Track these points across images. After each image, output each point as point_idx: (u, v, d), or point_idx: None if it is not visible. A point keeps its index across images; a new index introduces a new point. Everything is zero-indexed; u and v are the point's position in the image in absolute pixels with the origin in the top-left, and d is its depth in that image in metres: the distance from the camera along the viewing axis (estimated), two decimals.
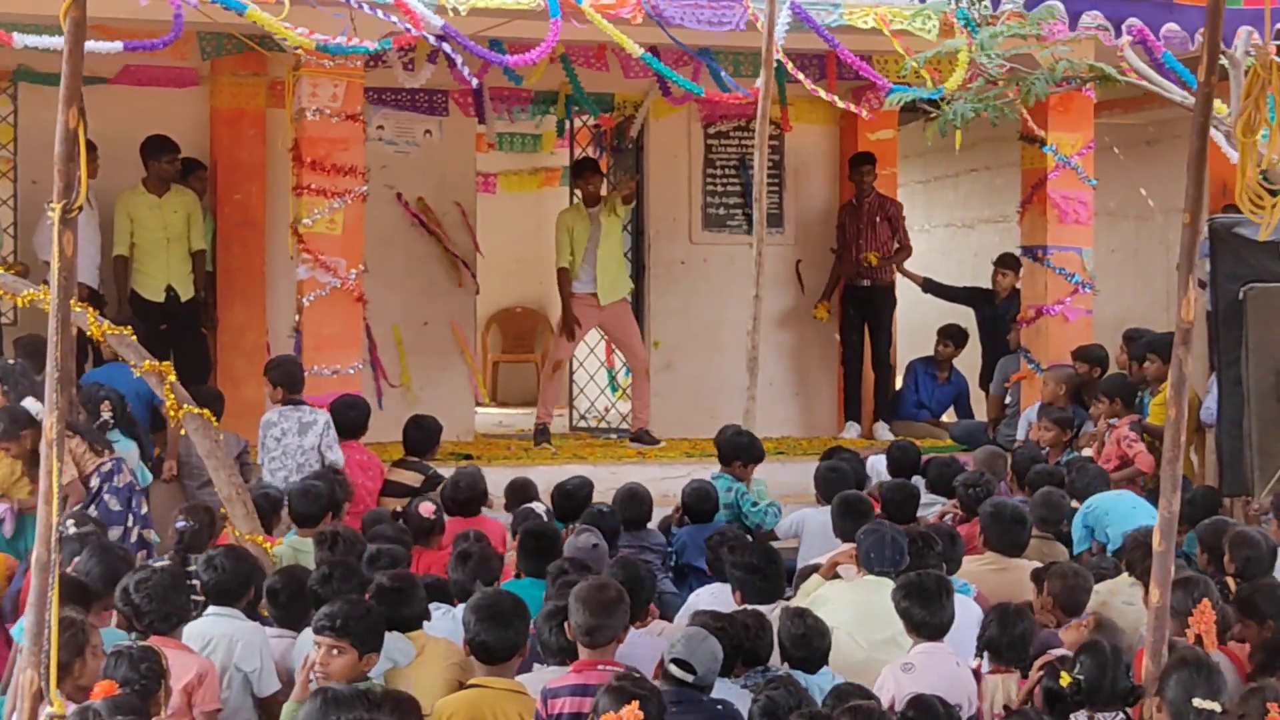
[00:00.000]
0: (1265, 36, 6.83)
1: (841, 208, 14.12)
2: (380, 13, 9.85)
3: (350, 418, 10.40)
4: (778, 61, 10.72)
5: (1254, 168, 6.81)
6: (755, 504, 9.89)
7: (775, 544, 9.13)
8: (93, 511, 8.88)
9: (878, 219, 13.76)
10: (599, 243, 12.74)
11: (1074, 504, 9.27)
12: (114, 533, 8.92)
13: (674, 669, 5.99)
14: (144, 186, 11.82)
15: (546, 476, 9.99)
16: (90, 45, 8.59)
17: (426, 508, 8.87)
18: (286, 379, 10.37)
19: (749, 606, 7.00)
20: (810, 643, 6.59)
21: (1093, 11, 8.05)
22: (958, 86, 10.53)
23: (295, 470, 9.92)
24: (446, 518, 8.99)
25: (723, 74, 11.52)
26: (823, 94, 11.33)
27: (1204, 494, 9.65)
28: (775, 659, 6.63)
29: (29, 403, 9.22)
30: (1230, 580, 7.54)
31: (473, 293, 13.77)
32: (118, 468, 9.21)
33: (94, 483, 9.14)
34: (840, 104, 11.57)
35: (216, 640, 6.83)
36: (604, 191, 13.05)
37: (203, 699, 6.43)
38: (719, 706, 5.93)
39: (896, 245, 13.86)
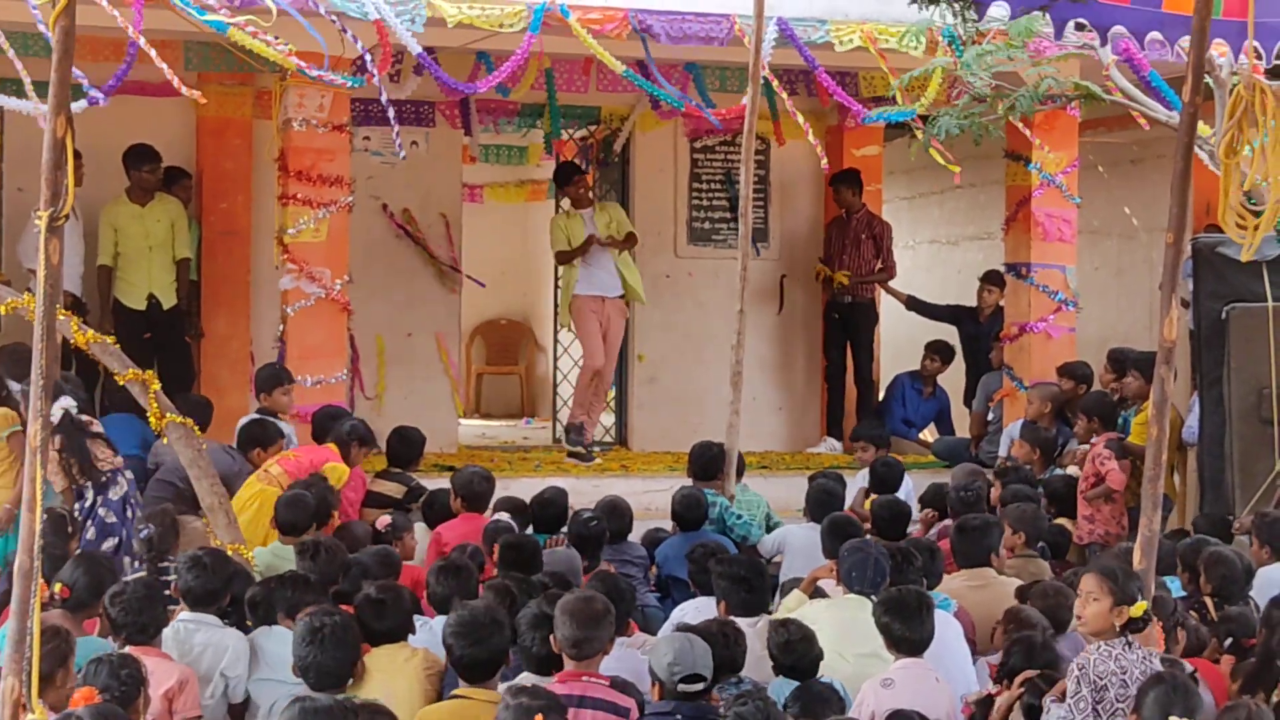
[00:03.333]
0: (1248, 55, 6.86)
1: (830, 221, 14.16)
2: (354, 37, 9.87)
3: (331, 429, 10.40)
4: (764, 77, 10.73)
5: (1237, 188, 6.85)
6: (740, 516, 9.91)
7: None
8: (89, 527, 8.89)
9: (863, 236, 13.82)
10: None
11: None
12: (108, 544, 8.91)
13: (686, 686, 6.03)
14: (127, 196, 11.82)
15: (530, 489, 9.99)
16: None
17: (382, 521, 8.92)
18: (259, 384, 10.44)
19: (724, 618, 7.01)
20: (797, 649, 6.61)
21: (1078, 19, 8.05)
22: (930, 104, 10.55)
23: None
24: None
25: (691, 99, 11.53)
26: (800, 118, 11.35)
27: (1212, 523, 9.61)
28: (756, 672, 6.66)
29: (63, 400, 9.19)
30: (1208, 600, 7.58)
31: (458, 304, 13.77)
32: (113, 478, 9.19)
33: (87, 493, 9.10)
34: (811, 139, 11.58)
35: (200, 648, 6.84)
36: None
37: (184, 705, 6.44)
38: None
39: (879, 266, 13.91)
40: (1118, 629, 6.03)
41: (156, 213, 11.86)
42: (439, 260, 13.45)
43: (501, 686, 6.25)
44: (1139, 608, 5.98)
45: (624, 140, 13.89)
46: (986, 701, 6.53)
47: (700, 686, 6.12)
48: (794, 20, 10.79)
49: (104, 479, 9.13)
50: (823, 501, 9.52)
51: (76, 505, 9.14)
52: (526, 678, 6.40)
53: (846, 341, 14.02)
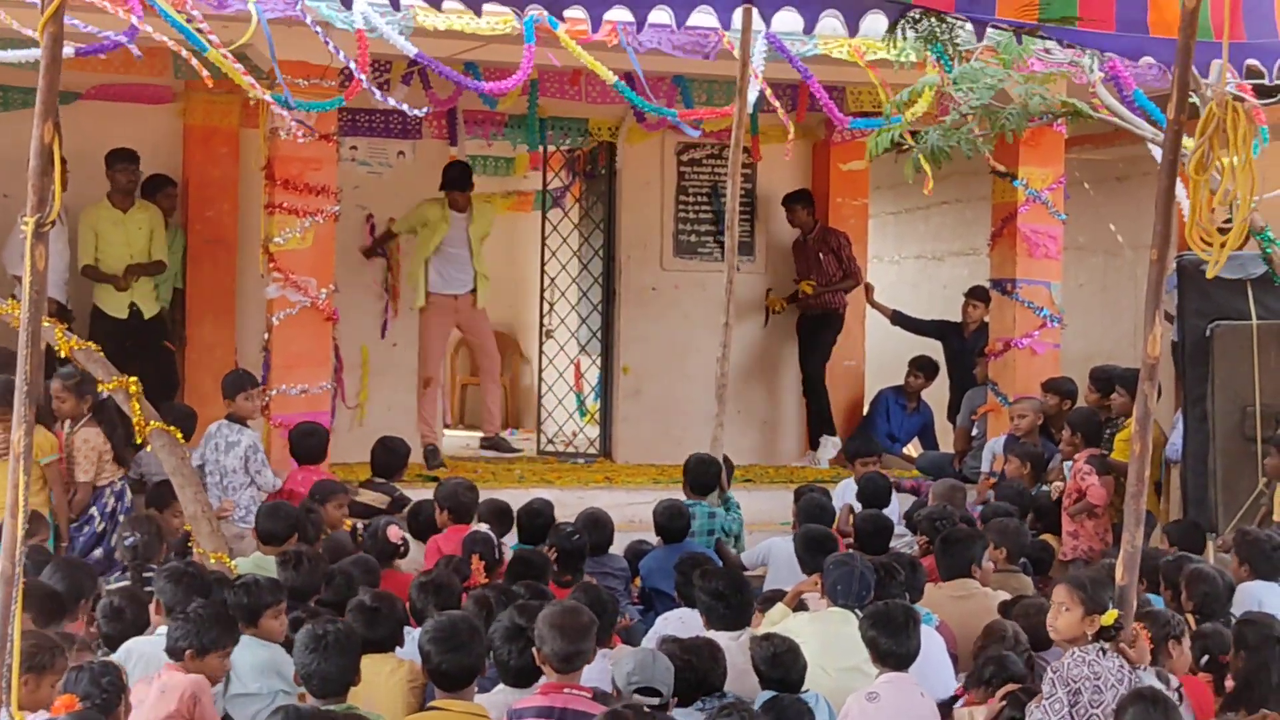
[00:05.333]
0: (1232, 73, 6.88)
1: (794, 244, 14.19)
2: (335, 49, 9.87)
3: (308, 445, 10.40)
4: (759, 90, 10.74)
5: (1205, 205, 6.84)
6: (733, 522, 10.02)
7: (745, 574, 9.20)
8: (111, 534, 8.96)
9: (820, 253, 13.87)
10: (455, 244, 12.88)
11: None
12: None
13: (639, 698, 6.03)
14: (108, 200, 11.83)
15: (514, 500, 9.99)
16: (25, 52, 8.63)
17: (394, 532, 8.87)
18: (222, 389, 10.42)
19: (701, 634, 7.00)
20: (784, 662, 6.61)
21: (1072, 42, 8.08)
22: (918, 118, 10.56)
23: (217, 486, 10.02)
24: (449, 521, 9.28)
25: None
26: (791, 127, 11.35)
27: (1183, 530, 9.65)
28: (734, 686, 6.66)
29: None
30: (1190, 617, 7.59)
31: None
32: (125, 488, 9.25)
33: (107, 500, 9.14)
34: (788, 147, 11.59)
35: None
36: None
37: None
38: None
39: (842, 274, 13.92)
40: (1090, 637, 6.08)
41: (138, 220, 11.88)
42: (391, 296, 13.44)
43: (478, 697, 6.25)
44: (1110, 616, 6.03)
45: (620, 156, 13.88)
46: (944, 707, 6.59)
47: (656, 701, 6.12)
48: (782, 34, 10.80)
49: (119, 485, 9.21)
50: (815, 515, 9.50)
51: (94, 507, 9.19)
52: (503, 690, 6.40)
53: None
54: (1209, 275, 7.16)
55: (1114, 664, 5.96)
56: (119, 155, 11.85)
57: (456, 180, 13.00)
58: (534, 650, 6.28)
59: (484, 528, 9.18)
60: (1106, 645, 6.00)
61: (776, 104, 11.29)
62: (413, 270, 13.01)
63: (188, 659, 6.33)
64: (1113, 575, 6.19)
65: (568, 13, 7.49)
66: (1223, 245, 6.49)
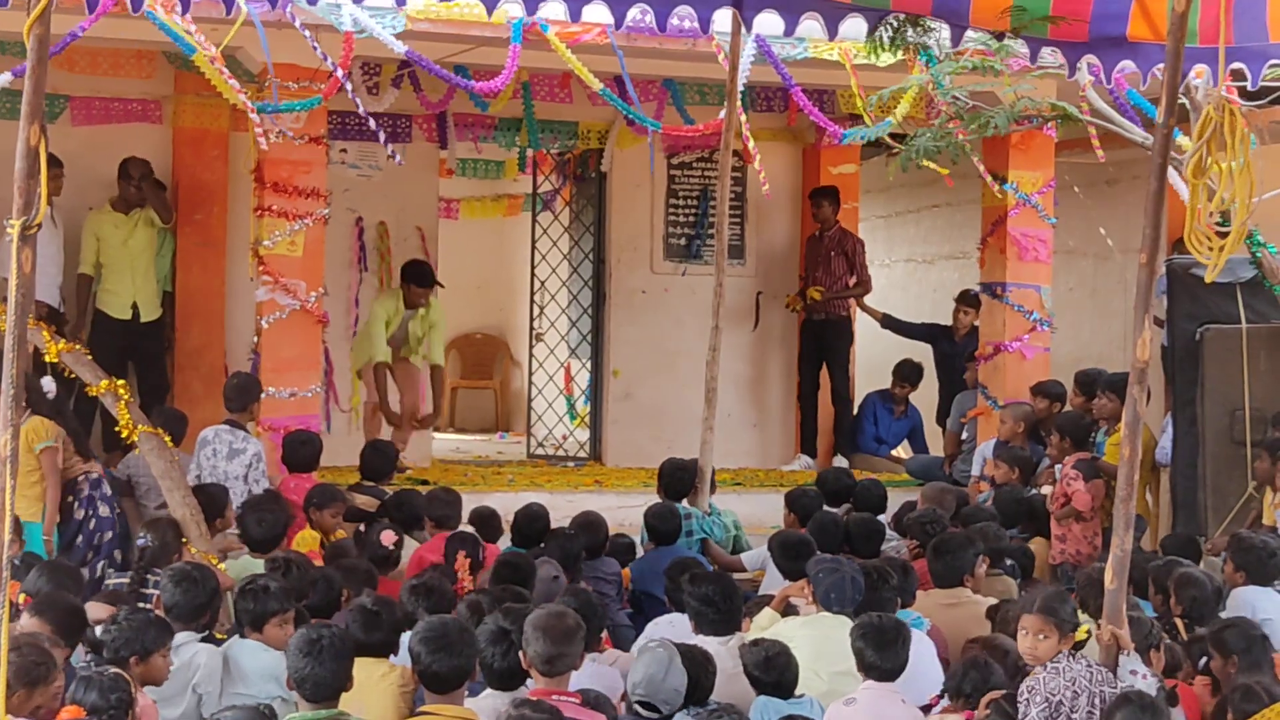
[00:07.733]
0: (1219, 78, 6.88)
1: (807, 239, 14.18)
2: (323, 54, 9.86)
3: (303, 454, 10.32)
4: (741, 93, 10.73)
5: (1204, 209, 6.85)
6: (717, 523, 9.99)
7: (743, 575, 9.19)
8: (90, 520, 8.95)
9: (833, 254, 13.84)
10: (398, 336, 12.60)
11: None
12: (108, 536, 9.17)
13: (640, 710, 6.02)
14: (110, 205, 11.82)
15: (504, 503, 9.98)
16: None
17: (387, 536, 8.84)
18: (226, 394, 10.38)
19: (690, 640, 6.98)
20: (777, 665, 6.60)
21: (1051, 48, 8.10)
22: (904, 119, 10.54)
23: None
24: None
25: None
26: (751, 142, 11.38)
27: (1180, 543, 9.62)
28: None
29: (45, 381, 9.19)
30: (1179, 621, 7.59)
31: None
32: (101, 477, 9.25)
33: (81, 486, 9.15)
34: (757, 166, 11.66)
35: (175, 667, 6.79)
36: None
37: None
38: None
39: (854, 280, 13.91)
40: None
41: (135, 218, 11.86)
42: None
43: (469, 701, 6.23)
44: (1082, 631, 6.10)
45: (609, 160, 13.86)
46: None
47: (655, 716, 6.11)
48: (771, 38, 10.79)
49: (95, 474, 9.19)
50: (828, 533, 9.40)
51: (71, 498, 9.17)
52: (490, 694, 6.38)
53: (821, 359, 14.03)
54: (1208, 279, 7.17)
55: (1081, 666, 6.03)
56: (126, 164, 11.83)
57: (415, 277, 12.55)
58: (520, 653, 6.27)
59: (468, 529, 9.17)
60: (1073, 651, 6.06)
61: (742, 116, 11.29)
62: (360, 360, 12.63)
63: (132, 665, 6.29)
64: (1092, 583, 6.21)
65: (545, 10, 7.47)
66: (1221, 249, 6.50)
